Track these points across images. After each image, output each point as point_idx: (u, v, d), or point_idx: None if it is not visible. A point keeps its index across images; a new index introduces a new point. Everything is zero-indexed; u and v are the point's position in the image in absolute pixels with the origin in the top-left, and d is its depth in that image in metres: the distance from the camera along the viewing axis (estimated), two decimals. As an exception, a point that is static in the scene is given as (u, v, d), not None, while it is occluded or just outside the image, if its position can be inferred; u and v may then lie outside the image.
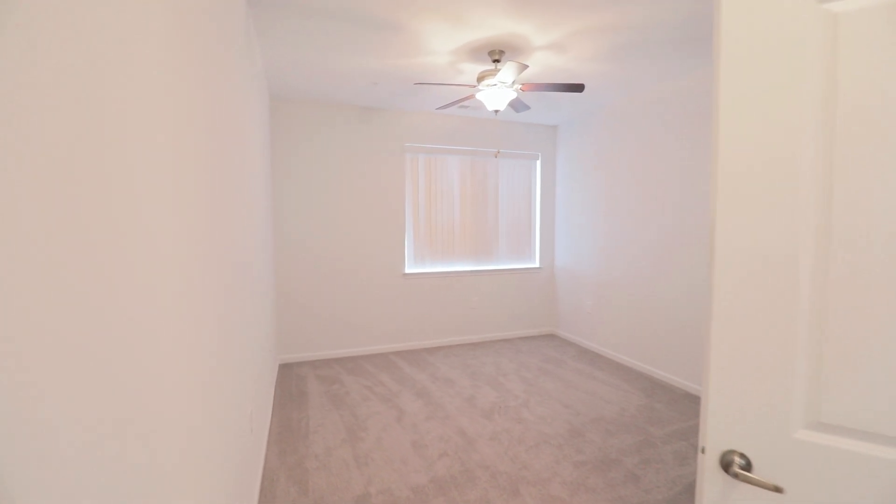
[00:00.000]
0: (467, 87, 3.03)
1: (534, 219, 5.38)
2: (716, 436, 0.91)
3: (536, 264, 5.41)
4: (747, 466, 0.88)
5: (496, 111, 3.15)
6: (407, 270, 4.79)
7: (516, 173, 5.25)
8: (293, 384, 3.80)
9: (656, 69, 3.41)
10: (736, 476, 0.87)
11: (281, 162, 4.25)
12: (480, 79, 3.05)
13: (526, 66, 2.49)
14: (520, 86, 3.06)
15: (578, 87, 2.98)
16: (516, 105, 3.49)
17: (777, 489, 0.82)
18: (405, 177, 4.71)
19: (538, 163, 5.32)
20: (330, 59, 3.19)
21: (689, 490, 2.33)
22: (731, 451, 0.89)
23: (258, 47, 3.01)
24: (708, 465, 0.92)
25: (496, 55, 3.01)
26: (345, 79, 3.63)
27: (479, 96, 3.13)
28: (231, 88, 1.78)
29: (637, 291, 4.13)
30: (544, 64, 3.28)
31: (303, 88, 3.90)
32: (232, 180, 1.76)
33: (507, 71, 2.65)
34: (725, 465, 0.89)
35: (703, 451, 0.93)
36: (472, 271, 5.04)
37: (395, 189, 4.67)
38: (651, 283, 3.96)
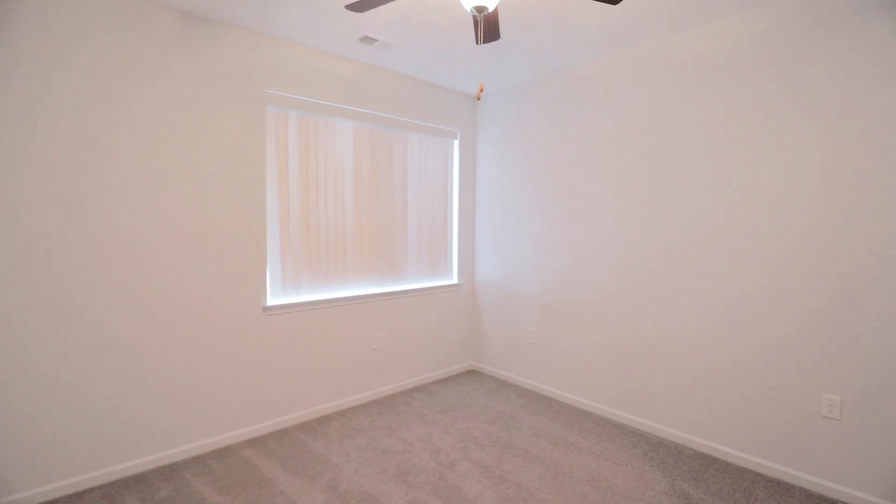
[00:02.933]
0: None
1: (451, 218, 4.01)
2: None
3: (454, 280, 4.05)
4: None
5: (479, 11, 1.67)
6: (270, 302, 2.91)
7: (430, 155, 3.80)
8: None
9: (679, 7, 2.37)
10: None
11: (15, 108, 1.98)
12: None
13: None
14: (524, -33, 1.65)
15: (622, -14, 1.71)
16: (487, 28, 2.07)
17: None
18: (266, 146, 2.84)
19: (456, 143, 3.97)
20: None
21: None
22: None
23: None
24: None
25: None
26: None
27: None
28: None
29: (611, 315, 3.10)
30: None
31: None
32: None
33: None
34: None
35: None
36: (372, 295, 3.41)
37: (249, 165, 2.76)
38: (634, 305, 2.97)
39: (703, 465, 2.50)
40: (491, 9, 1.71)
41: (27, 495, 2.11)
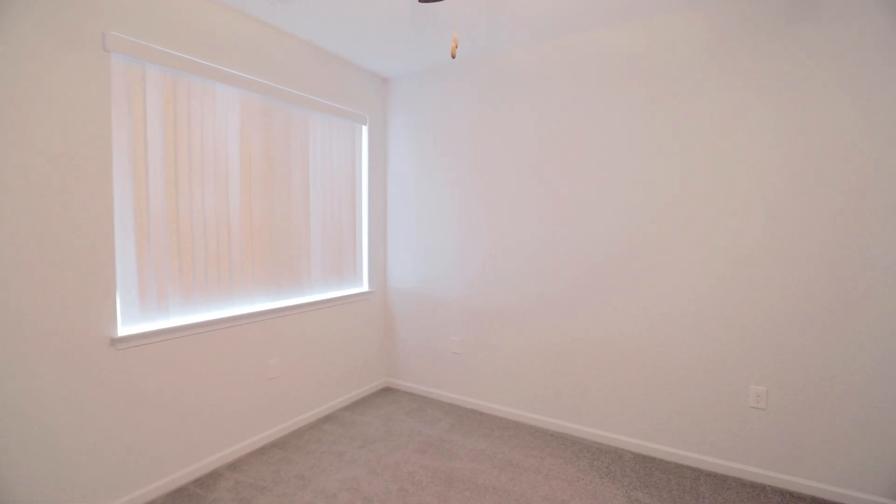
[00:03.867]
0: None
1: (360, 215, 3.48)
2: None
3: (365, 287, 3.53)
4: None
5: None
6: (122, 331, 2.08)
7: (336, 140, 3.22)
8: None
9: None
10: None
11: None
12: None
13: None
14: None
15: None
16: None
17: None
18: (112, 112, 2.00)
19: (365, 129, 3.45)
20: None
21: None
22: None
23: None
24: None
25: None
26: None
27: None
28: None
29: (544, 320, 2.93)
30: None
31: None
32: None
33: None
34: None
35: None
36: (267, 312, 2.73)
37: (86, 139, 1.90)
38: (568, 310, 2.85)
39: (647, 469, 2.46)
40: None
41: None
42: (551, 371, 2.92)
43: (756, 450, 2.33)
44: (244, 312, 2.58)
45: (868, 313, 2.07)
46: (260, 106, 2.64)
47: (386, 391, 3.59)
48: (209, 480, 2.33)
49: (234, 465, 2.47)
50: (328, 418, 3.08)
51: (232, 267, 2.55)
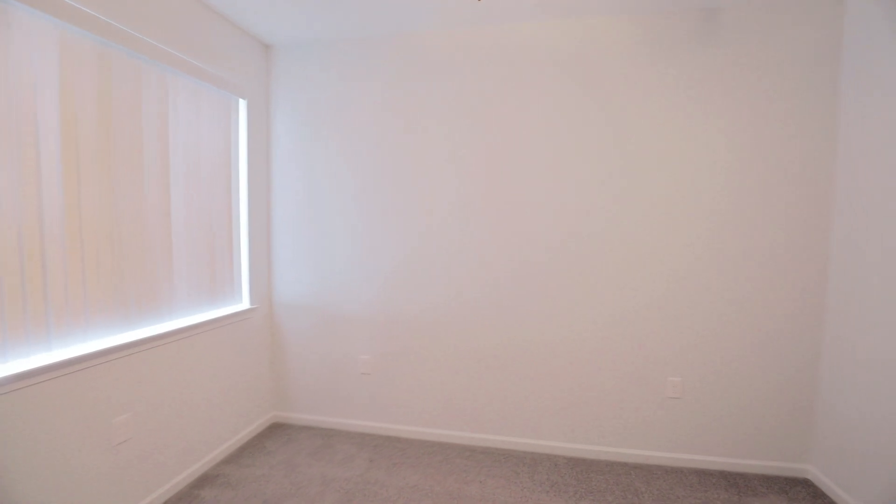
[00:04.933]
0: None
1: (237, 212, 2.74)
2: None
3: (245, 303, 2.80)
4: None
5: None
6: None
7: (205, 113, 2.45)
8: None
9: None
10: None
11: None
12: None
13: None
14: None
15: None
16: None
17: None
18: None
19: (243, 105, 2.72)
20: None
21: None
22: None
23: None
24: None
25: None
26: None
27: None
28: None
29: (466, 330, 2.70)
30: None
31: None
32: None
33: None
34: None
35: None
36: (109, 350, 1.89)
37: None
38: (491, 318, 2.67)
39: (584, 473, 2.43)
40: None
41: None
42: (474, 383, 2.71)
43: (674, 436, 2.49)
44: (71, 356, 1.73)
45: (772, 306, 2.36)
46: (94, 51, 1.81)
47: (276, 428, 2.93)
48: None
49: (61, 589, 1.63)
50: (206, 480, 2.33)
51: (49, 289, 1.68)
